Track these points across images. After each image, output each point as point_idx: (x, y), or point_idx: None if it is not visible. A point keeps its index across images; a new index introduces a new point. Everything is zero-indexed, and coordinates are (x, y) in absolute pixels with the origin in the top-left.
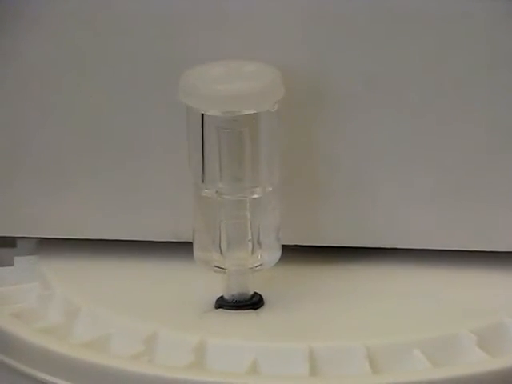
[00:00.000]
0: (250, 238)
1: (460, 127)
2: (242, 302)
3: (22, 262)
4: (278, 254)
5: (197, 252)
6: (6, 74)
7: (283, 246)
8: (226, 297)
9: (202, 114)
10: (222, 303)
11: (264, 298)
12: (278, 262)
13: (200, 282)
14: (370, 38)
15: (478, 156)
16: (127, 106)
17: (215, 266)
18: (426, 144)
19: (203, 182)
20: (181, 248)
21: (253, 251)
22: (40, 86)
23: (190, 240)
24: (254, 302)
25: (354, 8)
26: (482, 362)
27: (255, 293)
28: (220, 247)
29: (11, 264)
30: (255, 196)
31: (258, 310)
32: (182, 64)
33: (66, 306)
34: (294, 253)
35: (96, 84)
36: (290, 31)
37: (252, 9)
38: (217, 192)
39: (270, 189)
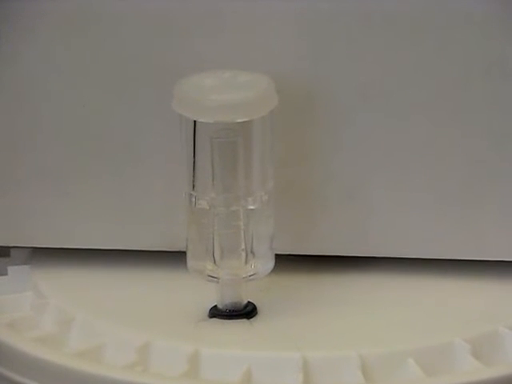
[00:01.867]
0: (243, 247)
1: (457, 136)
2: (235, 311)
3: (16, 272)
4: (271, 263)
5: (190, 261)
6: (1, 79)
7: (277, 256)
8: (220, 306)
9: (195, 124)
10: (215, 312)
11: (257, 307)
12: (271, 272)
13: (193, 292)
14: (366, 46)
15: (476, 165)
16: (123, 116)
17: (209, 276)
18: (422, 153)
19: (194, 190)
20: (174, 257)
21: (246, 261)
22: (35, 94)
23: (184, 249)
24: (247, 312)
25: (349, 16)
26: (475, 371)
27: (249, 302)
28: (213, 257)
29: (5, 273)
30: (249, 206)
31: (251, 320)
32: (177, 73)
33: (59, 316)
34: (287, 262)
35: (92, 92)
36: (284, 40)
37: (247, 18)
38: (210, 203)
39: (264, 198)
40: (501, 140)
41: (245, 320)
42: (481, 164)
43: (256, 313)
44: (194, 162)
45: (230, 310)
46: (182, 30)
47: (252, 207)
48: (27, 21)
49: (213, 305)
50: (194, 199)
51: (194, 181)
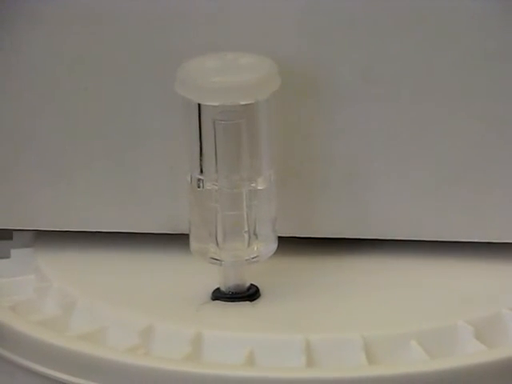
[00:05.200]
0: (246, 229)
1: (457, 118)
2: (238, 293)
3: (19, 255)
4: (274, 245)
5: (193, 244)
6: (3, 68)
7: (279, 238)
8: (223, 289)
9: (199, 106)
10: (218, 295)
11: (260, 289)
12: (274, 254)
13: (196, 274)
14: (368, 29)
15: (475, 147)
16: (125, 99)
17: (211, 258)
18: (422, 135)
19: (197, 172)
20: (177, 240)
21: (249, 243)
22: (37, 79)
23: (187, 232)
24: (250, 294)
25: (351, 0)
26: (479, 354)
27: (251, 284)
28: (216, 239)
29: (8, 256)
30: (252, 188)
31: (254, 302)
32: (179, 56)
33: (62, 299)
34: (290, 244)
35: (93, 76)
36: (286, 22)
37: (249, 1)
38: (213, 186)
39: (267, 180)
40: (501, 123)
41: (247, 302)
42: (482, 146)
43: (259, 295)
44: (201, 145)
45: (232, 293)
46: (183, 13)
47: (255, 189)
48: (29, 8)
49: (215, 287)
50: (196, 182)
51: (198, 163)
